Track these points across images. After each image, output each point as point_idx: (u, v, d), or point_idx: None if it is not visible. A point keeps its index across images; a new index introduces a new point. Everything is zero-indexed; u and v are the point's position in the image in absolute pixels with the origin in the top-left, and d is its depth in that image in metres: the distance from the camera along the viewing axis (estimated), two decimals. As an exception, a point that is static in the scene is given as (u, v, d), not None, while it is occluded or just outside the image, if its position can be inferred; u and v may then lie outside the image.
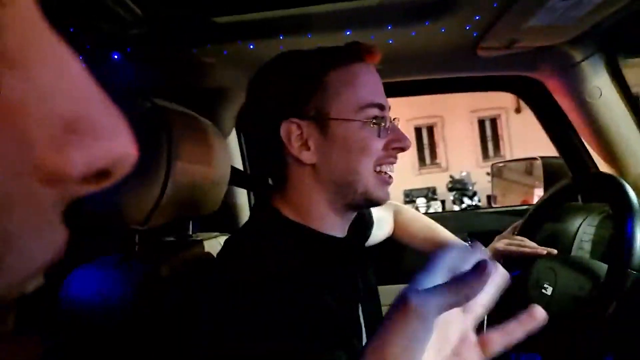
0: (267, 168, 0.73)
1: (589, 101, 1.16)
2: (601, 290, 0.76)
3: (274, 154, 0.68)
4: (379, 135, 0.66)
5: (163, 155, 0.70)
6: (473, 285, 0.37)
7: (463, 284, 0.38)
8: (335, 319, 0.64)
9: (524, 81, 1.29)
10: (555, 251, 0.95)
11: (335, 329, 0.64)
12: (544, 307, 0.84)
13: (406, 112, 11.53)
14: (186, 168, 0.76)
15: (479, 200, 9.26)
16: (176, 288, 0.72)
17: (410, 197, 10.25)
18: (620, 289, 0.72)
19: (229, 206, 1.29)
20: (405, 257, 1.41)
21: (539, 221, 1.06)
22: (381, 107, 0.67)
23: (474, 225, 1.43)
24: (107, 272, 0.71)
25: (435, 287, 0.39)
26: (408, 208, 1.27)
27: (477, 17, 0.95)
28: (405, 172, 12.29)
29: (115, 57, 1.00)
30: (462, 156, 12.89)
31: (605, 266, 0.81)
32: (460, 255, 0.42)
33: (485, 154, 13.20)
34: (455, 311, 0.41)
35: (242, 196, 1.35)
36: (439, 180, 11.20)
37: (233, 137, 1.35)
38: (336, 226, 0.71)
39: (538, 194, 1.54)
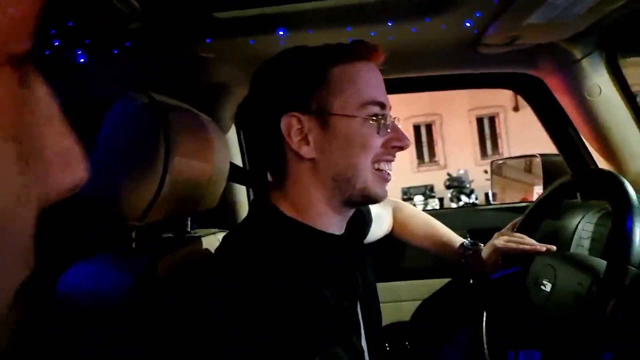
0: (266, 163, 0.73)
1: (589, 99, 1.16)
2: (600, 287, 0.76)
3: (274, 148, 0.68)
4: (378, 133, 0.67)
5: (160, 151, 0.70)
6: None
7: None
8: (333, 316, 0.64)
9: (524, 78, 1.29)
10: (554, 248, 0.95)
11: (334, 325, 0.64)
12: (543, 304, 0.85)
13: (405, 110, 11.54)
14: (184, 164, 0.76)
15: (476, 198, 9.27)
16: (173, 284, 0.72)
17: (408, 195, 10.26)
18: (619, 285, 0.72)
19: (228, 203, 1.29)
20: (404, 255, 1.41)
21: (538, 218, 1.06)
22: (382, 105, 0.68)
23: (473, 222, 1.43)
24: (104, 268, 0.70)
25: None
26: (407, 205, 1.27)
27: (477, 14, 0.94)
28: (403, 169, 12.32)
29: (114, 52, 1.00)
30: (460, 154, 12.91)
31: (604, 263, 0.81)
32: None
33: (483, 152, 13.23)
34: None
35: (241, 193, 1.34)
36: (437, 178, 11.21)
37: (232, 134, 1.34)
38: (334, 223, 0.71)
39: (537, 191, 1.54)
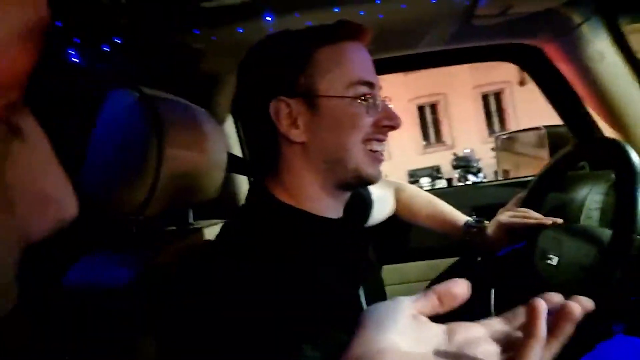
0: (260, 150, 0.73)
1: (590, 66, 1.13)
2: (605, 257, 0.75)
3: (265, 134, 0.68)
4: (367, 112, 0.66)
5: (153, 144, 0.70)
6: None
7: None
8: (335, 301, 0.64)
9: (522, 49, 1.26)
10: (560, 220, 0.93)
11: (336, 310, 0.63)
12: (551, 278, 0.83)
13: (407, 91, 11.42)
14: (179, 155, 0.76)
15: (484, 177, 9.20)
16: (175, 275, 0.73)
17: (414, 177, 10.24)
18: (625, 254, 0.71)
19: (229, 194, 1.29)
20: (410, 236, 1.40)
21: (543, 191, 1.04)
22: (371, 85, 0.67)
23: (478, 200, 1.42)
24: (107, 263, 0.71)
25: None
26: (410, 185, 1.26)
27: (468, -16, 0.92)
28: (409, 151, 12.25)
29: (105, 48, 0.99)
30: (467, 133, 12.78)
31: (609, 232, 0.80)
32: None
33: (490, 130, 13.08)
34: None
35: (242, 183, 1.34)
36: (444, 159, 11.14)
37: (231, 124, 1.34)
38: (330, 207, 0.71)
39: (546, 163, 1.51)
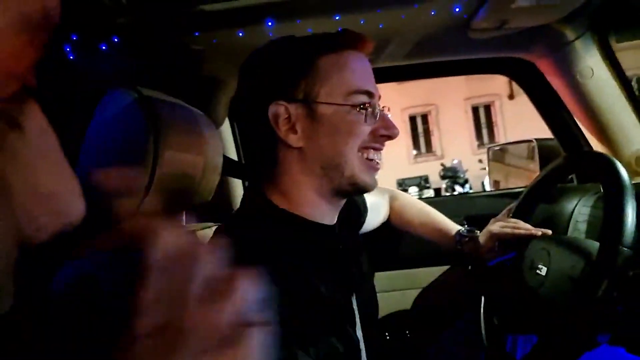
0: (257, 153, 0.73)
1: (581, 81, 1.16)
2: (592, 269, 0.76)
3: (263, 138, 0.68)
4: (366, 121, 0.67)
5: (149, 145, 0.69)
6: None
7: None
8: (326, 306, 0.64)
9: (517, 63, 1.29)
10: (549, 232, 0.95)
11: (327, 316, 0.64)
12: (539, 288, 0.85)
13: (400, 101, 11.52)
14: (175, 157, 0.75)
15: (470, 188, 9.30)
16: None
17: (403, 186, 10.31)
18: (611, 266, 0.72)
19: (224, 197, 1.29)
20: (403, 244, 1.41)
21: (533, 202, 1.06)
22: (370, 94, 0.68)
23: (470, 209, 1.43)
24: (98, 264, 0.70)
25: None
26: (403, 193, 1.27)
27: (466, -2, 0.94)
28: (400, 160, 12.33)
29: (103, 47, 0.99)
30: (457, 144, 12.92)
31: (597, 244, 0.81)
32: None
33: (480, 141, 13.24)
34: None
35: (237, 187, 1.34)
36: (434, 169, 11.23)
37: (227, 128, 1.34)
38: (324, 213, 0.71)
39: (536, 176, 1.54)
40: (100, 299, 0.68)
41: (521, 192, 1.11)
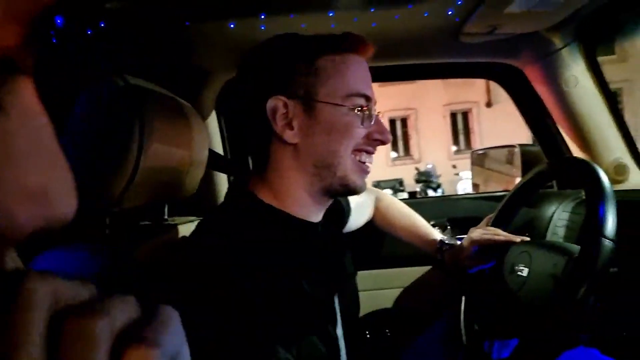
0: (249, 147, 0.72)
1: (566, 89, 1.19)
2: (575, 265, 0.78)
3: (257, 131, 0.68)
4: (362, 124, 0.68)
5: (135, 135, 0.68)
6: None
7: None
8: (308, 304, 0.64)
9: (505, 69, 1.31)
10: (527, 239, 0.96)
11: (309, 314, 0.64)
12: (520, 289, 0.86)
13: (381, 104, 11.59)
14: (160, 149, 0.74)
15: (443, 192, 9.44)
16: (146, 271, 0.71)
17: (378, 188, 10.36)
18: (594, 257, 0.73)
19: (207, 190, 1.27)
20: (386, 243, 1.41)
21: (515, 207, 1.08)
22: (368, 98, 0.69)
23: (453, 211, 1.45)
24: (75, 255, 0.68)
25: None
26: (387, 195, 1.27)
27: (459, 2, 0.95)
28: (379, 163, 12.44)
29: (88, 32, 0.95)
30: (434, 148, 13.13)
31: (578, 247, 0.83)
32: None
33: (457, 147, 13.50)
34: None
35: (221, 180, 1.32)
36: (411, 172, 11.38)
37: (213, 121, 1.32)
38: (311, 211, 0.71)
39: (518, 180, 1.56)
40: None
41: (504, 195, 1.13)
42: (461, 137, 13.71)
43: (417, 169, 10.40)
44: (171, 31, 1.01)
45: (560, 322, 0.77)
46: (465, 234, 1.03)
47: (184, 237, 0.89)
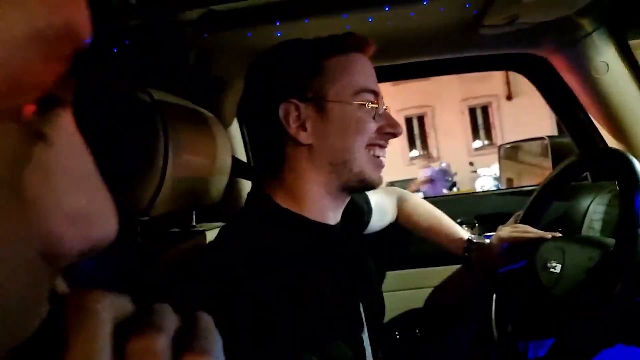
0: (265, 151, 0.74)
1: (596, 77, 1.14)
2: (612, 256, 0.75)
3: (272, 135, 0.70)
4: (374, 118, 0.70)
5: (160, 146, 0.70)
6: None
7: None
8: (332, 309, 0.65)
9: (528, 59, 1.27)
10: (559, 234, 0.93)
11: (334, 318, 0.64)
12: (554, 286, 0.83)
13: (396, 102, 11.47)
14: (185, 158, 0.77)
15: (457, 190, 9.23)
16: (175, 278, 0.73)
17: (391, 189, 10.24)
18: (631, 251, 0.71)
19: (233, 197, 1.28)
20: (415, 243, 1.39)
21: (545, 202, 1.04)
22: (376, 93, 0.71)
23: (482, 209, 1.42)
24: (110, 262, 0.70)
25: None
26: (412, 195, 1.25)
27: (475, -6, 0.93)
28: (395, 162, 12.28)
29: (114, 50, 0.98)
30: (453, 145, 12.90)
31: (613, 241, 0.80)
32: None
33: (479, 142, 13.24)
34: None
35: (246, 187, 1.33)
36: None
37: (236, 129, 1.34)
38: (329, 211, 0.72)
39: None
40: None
41: (533, 190, 1.09)
42: (481, 133, 13.43)
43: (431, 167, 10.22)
44: (190, 43, 1.03)
45: (597, 318, 0.75)
46: (494, 231, 1.01)
47: (210, 242, 0.91)
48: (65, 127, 0.21)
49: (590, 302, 0.76)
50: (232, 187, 1.12)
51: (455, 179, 9.55)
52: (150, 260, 0.74)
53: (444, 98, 12.77)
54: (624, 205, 0.78)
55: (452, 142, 12.96)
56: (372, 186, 0.72)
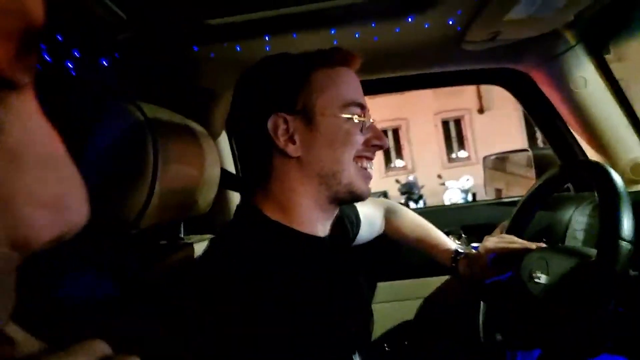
0: (253, 163, 0.74)
1: (575, 91, 1.18)
2: (594, 266, 0.76)
3: (260, 148, 0.70)
4: (361, 131, 0.70)
5: (149, 158, 0.70)
6: None
7: None
8: (319, 322, 0.64)
9: (510, 73, 1.30)
10: (544, 245, 0.95)
11: (321, 331, 0.64)
12: (540, 296, 0.84)
13: (372, 114, 11.58)
14: (174, 170, 0.77)
15: (424, 204, 9.23)
16: (163, 290, 0.72)
17: (363, 201, 10.23)
18: (612, 260, 0.72)
19: (221, 209, 1.28)
20: (406, 253, 1.40)
21: (529, 212, 1.06)
22: (362, 106, 0.72)
23: (467, 219, 1.44)
24: (97, 276, 0.69)
25: None
26: (400, 206, 1.26)
27: (459, 12, 0.96)
28: (373, 174, 12.33)
29: (104, 62, 0.99)
30: (427, 157, 13.03)
31: (595, 251, 0.82)
32: None
33: (450, 155, 13.38)
34: None
35: (235, 198, 1.34)
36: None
37: (225, 141, 1.35)
38: (318, 223, 0.72)
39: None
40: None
41: (518, 201, 1.11)
42: (454, 145, 13.57)
43: (397, 181, 10.23)
44: (180, 56, 1.04)
45: (581, 329, 0.76)
46: (481, 241, 1.02)
47: (199, 255, 0.91)
48: (22, 112, 0.20)
49: (574, 312, 0.77)
50: (220, 199, 1.12)
51: (425, 191, 9.61)
52: (140, 273, 0.73)
53: (418, 111, 12.95)
54: (603, 216, 0.79)
55: (426, 154, 13.10)
56: (361, 197, 0.73)
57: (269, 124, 0.67)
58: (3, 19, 0.17)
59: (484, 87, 12.67)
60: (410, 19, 0.97)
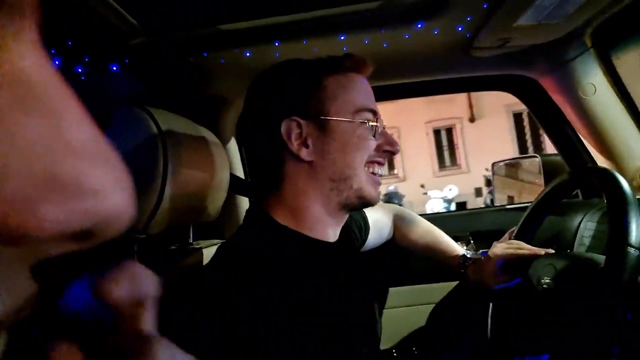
0: (264, 169, 0.74)
1: (584, 98, 1.17)
2: (602, 272, 0.76)
3: (273, 152, 0.70)
4: (374, 136, 0.71)
5: (159, 163, 0.71)
6: None
7: None
8: (327, 325, 0.64)
9: (519, 80, 1.30)
10: (552, 251, 0.94)
11: (329, 335, 0.64)
12: (548, 302, 0.84)
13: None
14: (183, 175, 0.77)
15: None
16: (171, 296, 0.72)
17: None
18: (620, 266, 0.72)
19: (230, 214, 1.29)
20: (416, 259, 1.39)
21: (538, 218, 1.06)
22: (374, 112, 0.72)
23: (475, 225, 1.43)
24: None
25: None
26: (409, 212, 1.26)
27: (468, 18, 0.96)
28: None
29: (114, 68, 1.00)
30: (418, 166, 12.99)
31: (603, 257, 0.81)
32: None
33: (441, 163, 13.32)
34: None
35: (244, 203, 1.34)
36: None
37: (234, 146, 1.35)
38: (328, 229, 0.72)
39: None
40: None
41: (526, 207, 1.11)
42: (446, 154, 13.49)
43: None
44: (190, 62, 1.05)
45: (589, 335, 0.75)
46: (490, 247, 1.02)
47: (209, 260, 0.91)
48: (41, 64, 0.17)
49: (582, 318, 0.77)
50: (229, 204, 1.13)
51: (414, 200, 9.57)
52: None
53: (409, 120, 12.91)
54: (612, 223, 0.79)
55: (418, 163, 13.05)
56: (370, 203, 0.73)
57: (283, 128, 0.67)
58: None
59: (475, 96, 12.66)
60: (419, 26, 0.97)
